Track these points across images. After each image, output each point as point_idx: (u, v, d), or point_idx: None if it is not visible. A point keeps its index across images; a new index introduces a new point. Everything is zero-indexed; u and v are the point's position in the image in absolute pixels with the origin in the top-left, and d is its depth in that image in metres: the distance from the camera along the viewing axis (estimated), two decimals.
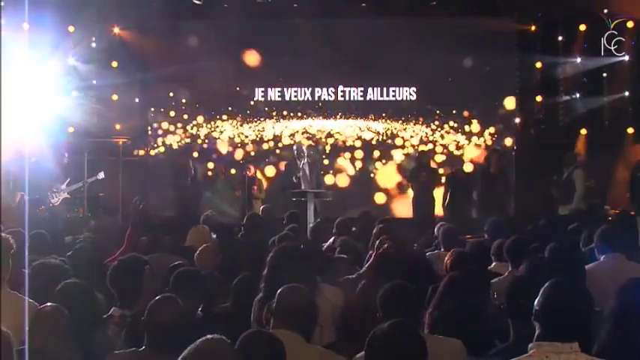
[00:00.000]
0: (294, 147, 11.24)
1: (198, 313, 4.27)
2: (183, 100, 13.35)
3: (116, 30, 12.97)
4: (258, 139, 13.36)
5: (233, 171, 12.98)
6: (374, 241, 6.22)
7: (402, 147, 13.20)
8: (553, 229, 6.87)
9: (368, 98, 13.29)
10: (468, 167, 12.79)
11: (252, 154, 13.27)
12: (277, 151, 13.29)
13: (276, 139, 13.30)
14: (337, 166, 13.24)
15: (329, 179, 12.86)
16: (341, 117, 13.28)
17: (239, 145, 13.37)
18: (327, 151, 13.19)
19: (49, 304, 3.60)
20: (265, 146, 13.33)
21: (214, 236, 6.94)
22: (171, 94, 13.30)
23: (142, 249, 6.47)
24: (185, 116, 13.41)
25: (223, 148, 13.38)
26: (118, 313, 4.04)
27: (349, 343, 3.45)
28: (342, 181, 13.20)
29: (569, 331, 2.74)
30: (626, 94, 12.36)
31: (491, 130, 13.11)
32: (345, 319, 3.75)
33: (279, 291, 3.50)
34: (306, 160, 10.59)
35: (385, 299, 3.60)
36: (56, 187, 10.68)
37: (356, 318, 3.60)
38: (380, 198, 13.09)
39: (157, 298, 3.39)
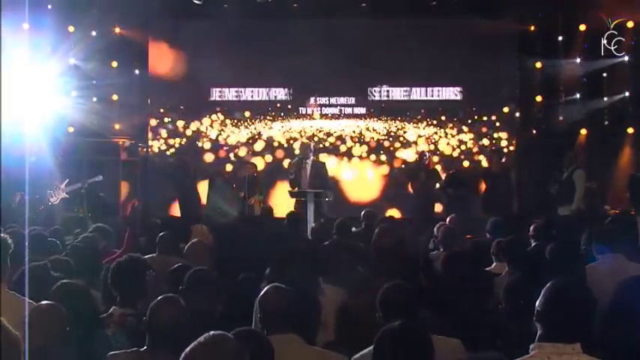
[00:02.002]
0: (301, 146, 11.28)
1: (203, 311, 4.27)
2: (183, 100, 13.34)
3: (117, 30, 12.96)
4: (257, 138, 13.35)
5: (229, 168, 12.98)
6: (375, 240, 6.21)
7: (402, 147, 13.19)
8: (554, 229, 6.86)
9: (367, 98, 13.28)
10: (469, 167, 12.78)
11: (252, 153, 13.26)
12: (276, 150, 13.28)
13: (276, 138, 13.29)
14: (337, 165, 13.24)
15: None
16: (341, 117, 13.28)
17: (239, 144, 13.37)
18: (327, 151, 13.19)
19: (45, 301, 3.60)
20: (265, 146, 13.32)
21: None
22: (171, 94, 13.29)
23: (141, 249, 6.47)
24: (185, 116, 13.41)
25: (223, 147, 13.37)
26: (118, 312, 4.05)
27: (349, 342, 3.44)
28: (343, 180, 13.20)
29: (571, 331, 2.73)
30: (627, 94, 12.35)
31: (492, 129, 13.10)
32: (345, 318, 3.74)
33: (260, 296, 3.47)
34: (310, 160, 10.58)
35: (384, 299, 3.59)
36: (55, 185, 10.68)
37: (356, 317, 3.59)
38: (380, 198, 13.07)
39: (158, 298, 3.39)
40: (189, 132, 13.42)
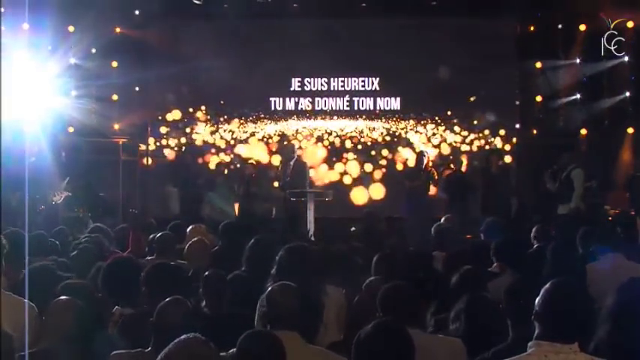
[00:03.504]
0: (285, 147, 11.47)
1: (204, 312, 4.26)
2: (183, 100, 13.35)
3: (117, 30, 12.96)
4: (257, 138, 13.35)
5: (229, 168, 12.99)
6: (376, 241, 6.22)
7: (402, 147, 13.20)
8: (553, 229, 6.87)
9: (367, 98, 13.29)
10: (468, 167, 12.78)
11: (251, 153, 13.25)
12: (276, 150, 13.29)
13: (276, 138, 13.29)
14: (337, 166, 13.25)
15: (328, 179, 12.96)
16: (340, 117, 13.29)
17: (238, 144, 13.37)
18: (327, 151, 13.23)
19: (63, 297, 3.62)
20: (264, 146, 13.32)
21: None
22: (171, 94, 13.29)
23: (143, 251, 6.47)
24: (185, 116, 13.41)
25: (223, 147, 13.37)
26: (119, 312, 4.06)
27: (351, 342, 3.45)
28: (342, 181, 13.21)
29: (569, 331, 2.73)
30: (627, 94, 12.35)
31: (491, 130, 13.11)
32: (347, 318, 3.75)
33: (267, 292, 3.49)
34: (293, 161, 10.74)
35: (384, 299, 3.59)
36: (57, 186, 10.68)
37: (361, 318, 3.60)
38: (379, 198, 13.07)
39: (166, 300, 3.39)
40: (188, 131, 13.42)
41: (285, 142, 12.47)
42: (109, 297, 4.21)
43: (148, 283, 4.09)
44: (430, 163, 11.72)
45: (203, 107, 13.37)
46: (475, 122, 13.11)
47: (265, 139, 13.34)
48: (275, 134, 13.32)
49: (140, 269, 4.36)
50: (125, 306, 4.08)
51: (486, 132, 13.12)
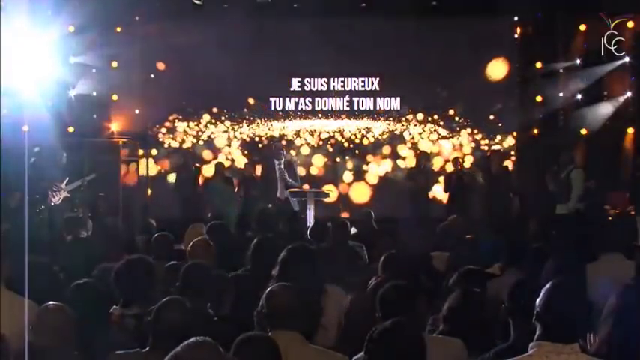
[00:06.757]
0: (272, 147, 11.51)
1: (208, 312, 4.25)
2: (183, 100, 13.34)
3: (117, 29, 12.95)
4: (257, 139, 13.35)
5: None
6: (376, 241, 6.23)
7: (402, 148, 13.20)
8: (553, 229, 6.87)
9: (367, 98, 13.29)
10: (469, 168, 12.78)
11: (251, 153, 13.26)
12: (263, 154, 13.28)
13: (275, 139, 13.28)
14: (337, 166, 13.25)
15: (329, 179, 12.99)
16: (340, 117, 13.29)
17: (238, 144, 13.37)
18: (329, 152, 13.25)
19: (52, 302, 3.60)
20: (264, 146, 13.31)
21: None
22: (171, 94, 13.29)
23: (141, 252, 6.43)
24: (185, 116, 13.41)
25: (222, 148, 13.37)
26: (118, 312, 4.05)
27: (354, 344, 3.45)
28: (342, 181, 13.21)
29: (570, 332, 2.74)
30: (628, 94, 12.35)
31: (491, 130, 13.11)
32: (351, 319, 3.75)
33: (266, 292, 3.49)
34: (281, 162, 10.81)
35: (384, 299, 3.59)
36: (56, 186, 10.68)
37: (361, 318, 3.60)
38: (380, 198, 13.07)
39: (164, 300, 3.38)
40: (188, 132, 13.42)
41: (271, 144, 12.47)
42: (123, 297, 4.19)
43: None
44: (430, 164, 11.73)
45: (203, 107, 13.36)
46: (475, 122, 13.11)
47: (265, 140, 13.33)
48: (275, 134, 13.31)
49: (152, 269, 4.35)
50: (129, 306, 4.06)
51: (487, 132, 13.11)
